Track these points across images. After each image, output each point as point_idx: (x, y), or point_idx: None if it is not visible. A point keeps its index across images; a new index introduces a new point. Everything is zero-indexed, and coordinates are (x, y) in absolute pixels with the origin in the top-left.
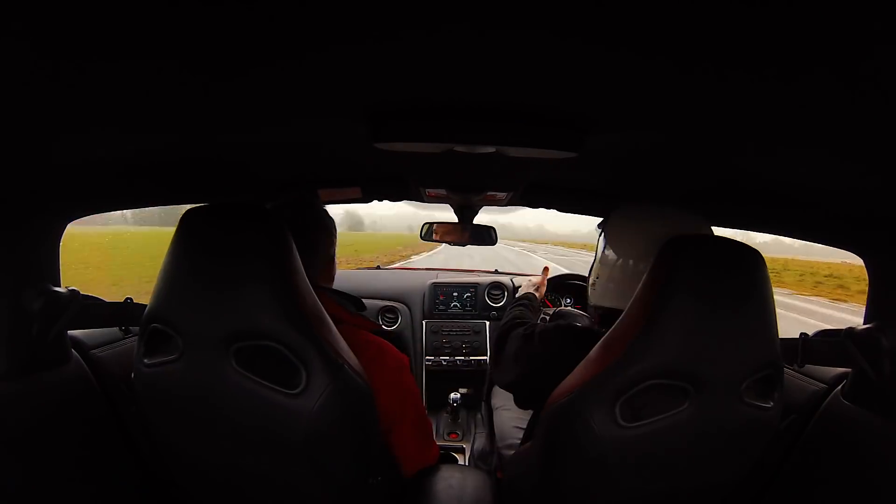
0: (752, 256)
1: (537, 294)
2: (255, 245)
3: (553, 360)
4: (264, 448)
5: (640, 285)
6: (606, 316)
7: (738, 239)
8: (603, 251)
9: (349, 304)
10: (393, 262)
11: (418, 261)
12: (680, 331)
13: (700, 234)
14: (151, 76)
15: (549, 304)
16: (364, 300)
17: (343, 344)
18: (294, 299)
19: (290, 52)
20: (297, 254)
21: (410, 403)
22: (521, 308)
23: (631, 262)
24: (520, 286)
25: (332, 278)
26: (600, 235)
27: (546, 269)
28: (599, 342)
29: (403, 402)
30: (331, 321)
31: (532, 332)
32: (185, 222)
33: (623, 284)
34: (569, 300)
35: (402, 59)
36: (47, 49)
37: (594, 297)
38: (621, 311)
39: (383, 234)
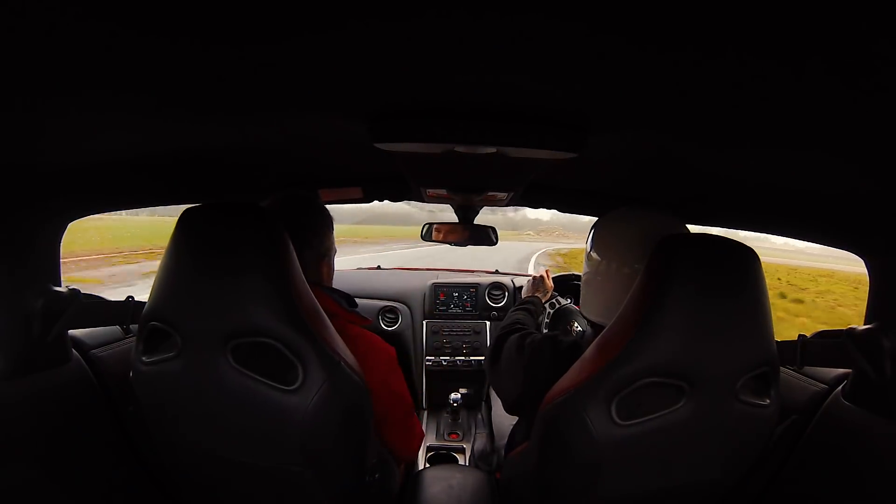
0: (745, 254)
1: (541, 293)
2: (251, 243)
3: (542, 373)
4: (261, 444)
5: (635, 284)
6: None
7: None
8: (588, 252)
9: (342, 301)
10: None
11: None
12: (675, 329)
13: (693, 233)
14: (154, 74)
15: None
16: (365, 300)
17: (339, 341)
18: (291, 296)
19: (291, 40)
20: (294, 251)
21: (399, 395)
22: (523, 312)
23: (614, 265)
24: (521, 286)
25: (330, 276)
26: (589, 236)
27: (547, 271)
28: (595, 342)
29: (392, 395)
30: (327, 318)
31: (526, 343)
32: (183, 221)
33: (604, 287)
34: (569, 300)
35: (403, 58)
36: (48, 44)
37: (584, 306)
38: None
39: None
